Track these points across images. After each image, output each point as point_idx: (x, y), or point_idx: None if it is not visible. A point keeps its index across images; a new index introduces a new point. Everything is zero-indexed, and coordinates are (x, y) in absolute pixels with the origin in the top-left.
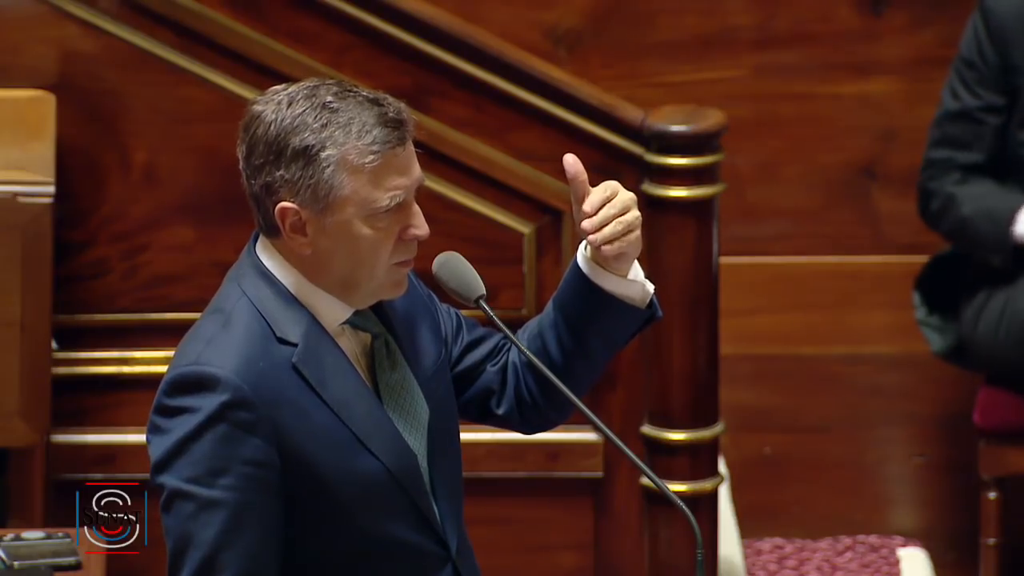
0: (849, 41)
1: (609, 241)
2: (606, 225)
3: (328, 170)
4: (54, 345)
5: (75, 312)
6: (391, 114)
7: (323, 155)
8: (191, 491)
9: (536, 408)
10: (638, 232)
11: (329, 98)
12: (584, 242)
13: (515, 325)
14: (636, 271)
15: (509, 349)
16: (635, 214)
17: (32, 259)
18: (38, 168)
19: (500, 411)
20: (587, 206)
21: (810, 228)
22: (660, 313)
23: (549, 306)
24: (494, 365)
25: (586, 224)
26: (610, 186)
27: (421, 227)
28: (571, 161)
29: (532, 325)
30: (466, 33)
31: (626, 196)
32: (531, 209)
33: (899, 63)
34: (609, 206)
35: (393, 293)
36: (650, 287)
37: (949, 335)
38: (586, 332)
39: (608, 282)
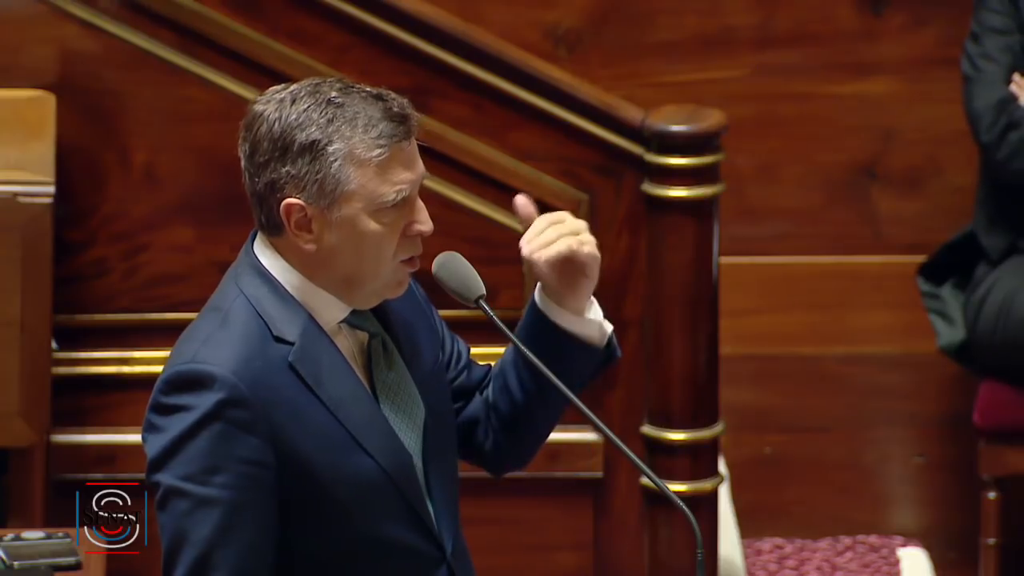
0: (849, 41)
1: (544, 247)
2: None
3: (335, 164)
4: (54, 345)
5: (75, 312)
6: (396, 109)
7: (330, 149)
8: (186, 489)
9: (500, 448)
10: (588, 246)
11: (333, 94)
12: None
13: (515, 325)
14: (595, 311)
15: (490, 384)
16: (577, 223)
17: (32, 259)
18: (38, 168)
19: (487, 446)
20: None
21: (810, 228)
22: (619, 353)
23: (510, 346)
24: (481, 394)
25: (522, 241)
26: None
27: (425, 223)
28: (522, 202)
29: (497, 364)
30: (466, 33)
31: (569, 217)
32: None
33: (899, 63)
34: (545, 221)
35: (395, 292)
36: (608, 327)
37: (958, 328)
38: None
39: (564, 319)
